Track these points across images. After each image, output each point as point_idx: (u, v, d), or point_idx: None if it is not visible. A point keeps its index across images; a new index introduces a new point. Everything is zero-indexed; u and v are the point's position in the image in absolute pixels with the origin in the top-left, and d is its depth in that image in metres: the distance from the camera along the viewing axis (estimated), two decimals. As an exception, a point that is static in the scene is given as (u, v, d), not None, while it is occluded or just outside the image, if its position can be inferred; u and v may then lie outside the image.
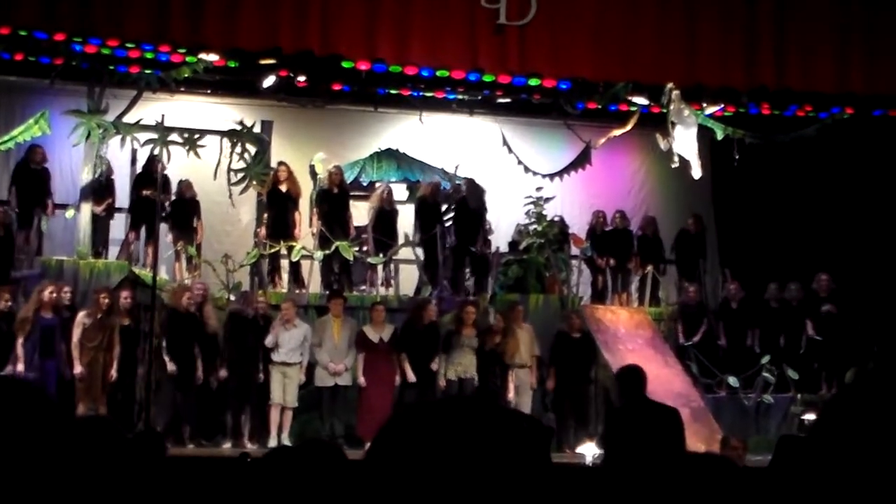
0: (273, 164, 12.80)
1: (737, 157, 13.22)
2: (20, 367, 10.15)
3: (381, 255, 12.49)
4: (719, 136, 13.16)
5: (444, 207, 12.93)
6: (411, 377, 10.88)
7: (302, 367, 10.92)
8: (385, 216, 12.63)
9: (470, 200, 12.81)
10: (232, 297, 11.65)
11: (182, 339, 10.63)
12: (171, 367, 10.54)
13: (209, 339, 10.86)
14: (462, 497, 1.03)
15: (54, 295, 10.55)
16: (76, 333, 10.40)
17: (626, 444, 5.54)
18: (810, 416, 11.10)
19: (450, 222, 12.79)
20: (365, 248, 12.55)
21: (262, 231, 12.43)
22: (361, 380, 10.87)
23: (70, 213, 12.38)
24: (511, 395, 11.20)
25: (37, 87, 12.78)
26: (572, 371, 11.49)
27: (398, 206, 13.08)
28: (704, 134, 13.13)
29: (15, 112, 13.14)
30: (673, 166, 12.85)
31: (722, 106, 13.20)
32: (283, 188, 12.37)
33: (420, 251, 12.69)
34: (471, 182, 13.01)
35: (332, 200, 12.47)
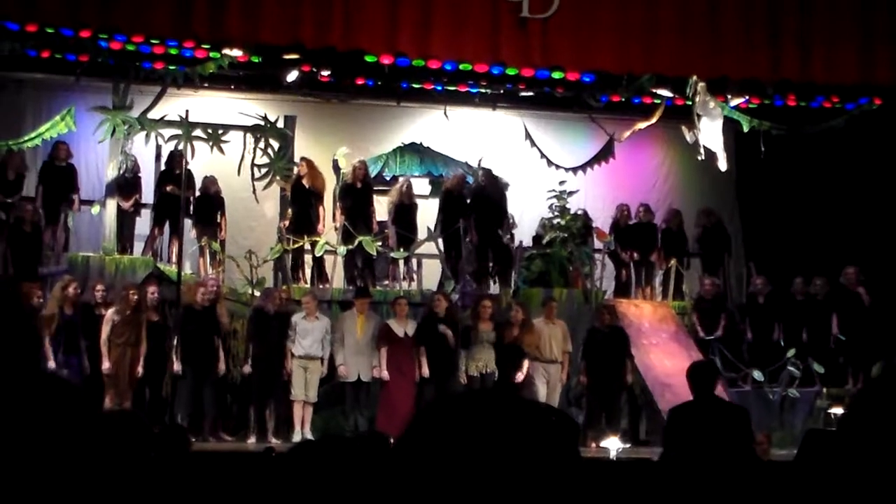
0: (296, 159, 12.84)
1: (763, 149, 13.13)
2: (51, 364, 10.23)
3: (401, 250, 12.50)
4: (745, 128, 13.07)
5: (468, 201, 12.91)
6: (426, 372, 10.89)
7: (324, 361, 10.94)
8: (404, 210, 12.63)
9: (489, 192, 12.80)
10: (256, 293, 11.70)
11: (199, 334, 10.67)
12: (177, 366, 10.59)
13: (224, 336, 10.92)
14: (491, 490, 1.03)
15: (79, 291, 10.64)
16: (105, 330, 10.46)
17: (691, 441, 5.52)
18: (836, 410, 11.02)
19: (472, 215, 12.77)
20: (388, 243, 12.56)
21: (284, 225, 12.46)
22: (385, 374, 10.89)
23: (96, 209, 12.47)
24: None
25: (62, 83, 12.86)
26: (602, 366, 11.45)
27: (422, 201, 13.08)
28: (730, 126, 13.05)
29: (41, 109, 13.23)
30: (699, 158, 12.79)
31: (747, 98, 13.12)
32: (306, 183, 12.40)
33: (442, 245, 12.68)
34: (488, 173, 12.99)
35: (356, 195, 12.48)
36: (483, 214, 12.67)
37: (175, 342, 10.66)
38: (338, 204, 12.57)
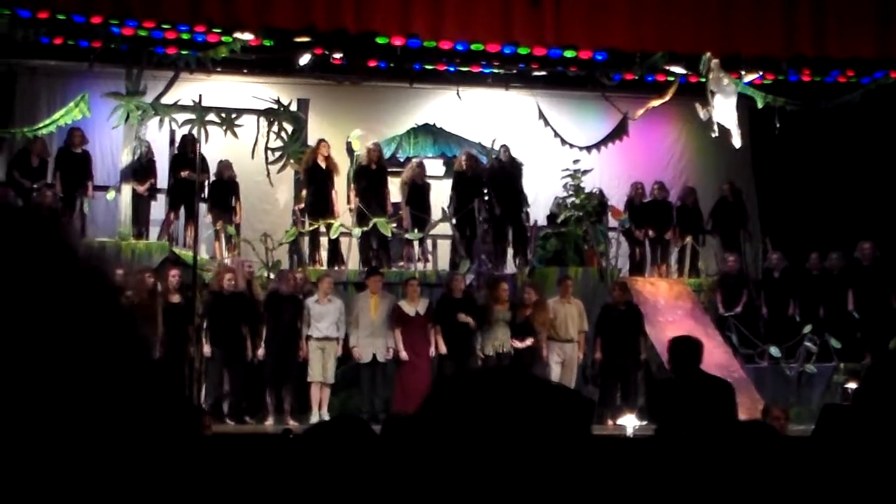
0: (311, 142, 12.83)
1: (778, 125, 13.05)
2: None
3: (416, 231, 12.51)
4: (759, 104, 13.00)
5: (484, 180, 12.88)
6: (442, 349, 10.93)
7: (339, 342, 10.99)
8: (417, 190, 12.63)
9: (507, 171, 12.78)
10: (272, 276, 11.74)
11: (227, 320, 10.72)
12: (206, 349, 10.66)
13: (258, 317, 10.96)
14: (502, 469, 1.04)
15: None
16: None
17: (678, 416, 5.52)
18: (853, 385, 10.98)
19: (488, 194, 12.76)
20: (403, 224, 12.57)
21: (299, 207, 12.48)
22: (403, 354, 10.92)
23: (111, 194, 12.53)
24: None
25: (76, 70, 12.90)
26: (617, 343, 11.46)
27: (435, 181, 13.07)
28: (744, 102, 12.98)
29: (55, 96, 13.27)
30: (713, 136, 12.72)
31: (761, 74, 13.04)
32: (323, 164, 12.39)
33: (456, 224, 12.68)
34: (504, 148, 12.98)
35: (370, 177, 12.48)
36: (502, 193, 12.66)
37: (204, 326, 10.72)
38: (352, 186, 12.57)
